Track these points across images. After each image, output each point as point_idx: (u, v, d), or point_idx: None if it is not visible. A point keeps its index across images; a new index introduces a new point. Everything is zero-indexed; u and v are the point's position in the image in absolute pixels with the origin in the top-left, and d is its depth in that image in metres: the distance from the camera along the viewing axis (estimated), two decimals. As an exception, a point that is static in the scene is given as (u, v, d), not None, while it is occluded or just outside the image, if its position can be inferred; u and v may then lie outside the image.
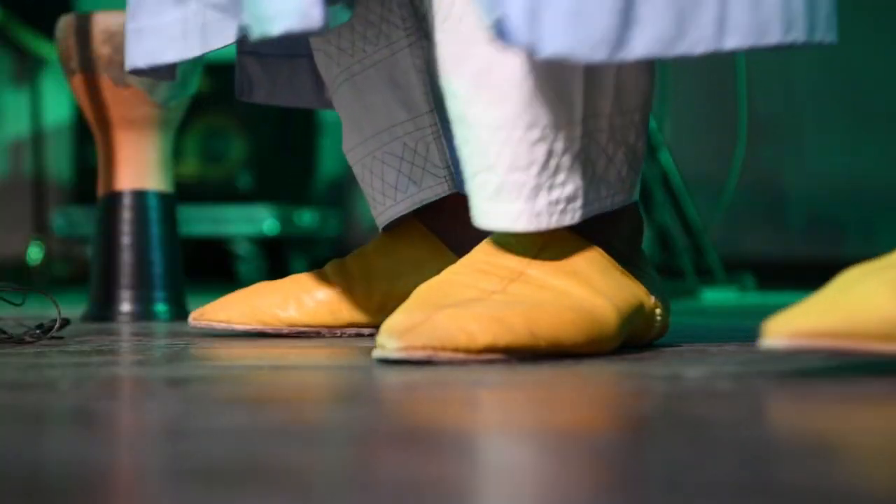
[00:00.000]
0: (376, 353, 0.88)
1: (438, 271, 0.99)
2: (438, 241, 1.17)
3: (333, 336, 1.16)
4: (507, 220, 0.94)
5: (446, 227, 1.18)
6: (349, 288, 1.16)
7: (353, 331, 1.17)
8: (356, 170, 1.19)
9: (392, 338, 0.87)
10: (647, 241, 2.59)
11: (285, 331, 1.15)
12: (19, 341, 1.08)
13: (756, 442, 0.56)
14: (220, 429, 0.61)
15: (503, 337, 0.88)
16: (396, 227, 1.19)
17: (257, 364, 0.92)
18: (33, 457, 0.54)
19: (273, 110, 3.35)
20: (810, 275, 3.00)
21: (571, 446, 0.55)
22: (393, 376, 0.82)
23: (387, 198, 1.17)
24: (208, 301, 1.19)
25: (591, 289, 0.94)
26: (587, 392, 0.76)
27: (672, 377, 0.81)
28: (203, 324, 1.17)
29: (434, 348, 0.86)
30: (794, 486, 0.46)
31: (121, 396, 0.77)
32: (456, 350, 0.87)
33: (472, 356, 0.87)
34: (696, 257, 2.53)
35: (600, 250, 0.97)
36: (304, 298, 1.16)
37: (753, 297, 2.34)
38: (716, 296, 2.37)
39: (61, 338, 1.13)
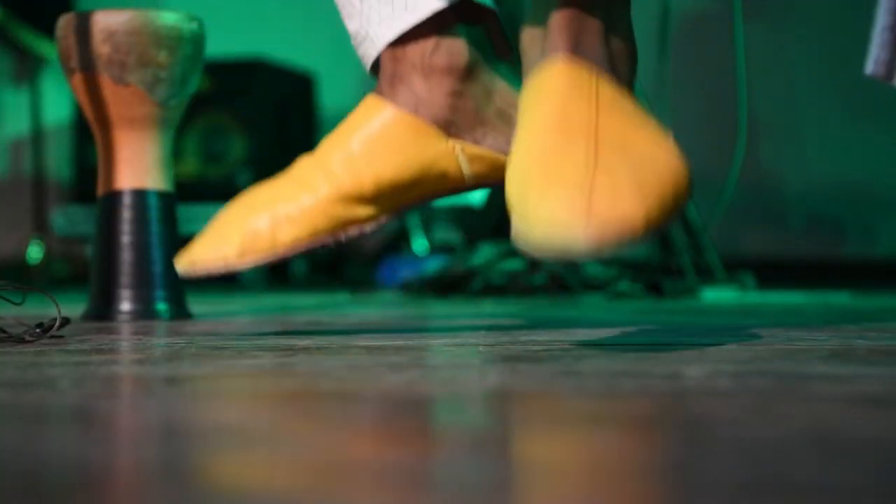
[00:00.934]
0: (553, 247, 0.86)
1: (422, 150, 1.10)
2: (412, 118, 1.14)
3: (338, 242, 1.12)
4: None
5: (395, 92, 1.15)
6: (336, 185, 1.12)
7: (355, 230, 1.12)
8: None
9: (577, 228, 0.85)
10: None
11: (290, 254, 1.10)
12: (19, 340, 1.08)
13: (756, 441, 0.56)
14: (221, 427, 0.61)
15: (651, 207, 0.88)
16: (366, 110, 1.15)
17: (258, 363, 0.92)
18: (33, 456, 0.54)
19: (273, 110, 3.35)
20: (810, 274, 3.01)
21: (571, 445, 0.55)
22: (393, 375, 0.82)
23: (396, 7, 1.14)
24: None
25: (651, 135, 0.95)
26: (587, 391, 0.76)
27: (672, 376, 0.81)
28: (199, 270, 1.10)
29: (617, 234, 0.85)
30: (795, 485, 0.46)
31: (121, 395, 0.77)
32: (633, 231, 0.86)
33: (638, 235, 0.86)
34: (696, 257, 2.52)
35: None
36: (292, 211, 1.11)
37: (753, 297, 2.34)
38: (716, 295, 2.37)
39: (61, 337, 1.13)
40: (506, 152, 1.10)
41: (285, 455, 0.53)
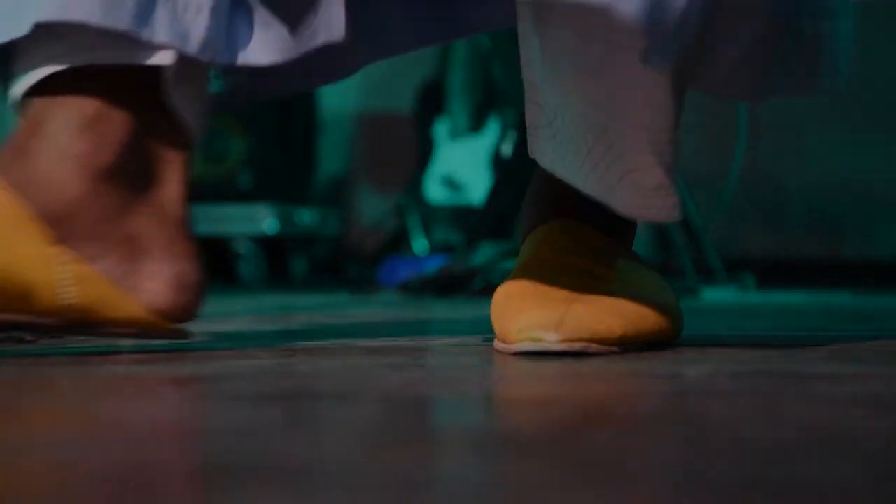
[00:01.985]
0: (525, 347, 0.92)
1: (13, 246, 0.87)
2: (15, 202, 0.89)
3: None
4: (668, 211, 0.93)
5: (15, 158, 0.89)
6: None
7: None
8: None
9: (549, 331, 0.91)
10: (647, 240, 2.59)
11: None
12: (19, 340, 1.08)
13: (756, 441, 0.56)
14: (223, 427, 0.61)
15: (629, 328, 0.94)
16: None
17: (259, 362, 0.92)
18: (33, 456, 0.54)
19: (273, 110, 3.35)
20: (810, 274, 3.01)
21: (571, 445, 0.55)
22: (393, 375, 0.82)
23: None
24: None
25: (646, 287, 1.00)
26: (587, 391, 0.76)
27: (672, 376, 0.81)
28: None
29: (588, 340, 0.91)
30: (795, 485, 0.46)
31: (122, 395, 0.77)
32: (601, 342, 0.92)
33: (608, 348, 0.93)
34: (696, 256, 2.53)
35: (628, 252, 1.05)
36: None
37: (753, 297, 2.34)
38: (716, 295, 2.37)
39: (62, 337, 1.13)
40: (119, 286, 0.93)
41: (285, 455, 0.53)
